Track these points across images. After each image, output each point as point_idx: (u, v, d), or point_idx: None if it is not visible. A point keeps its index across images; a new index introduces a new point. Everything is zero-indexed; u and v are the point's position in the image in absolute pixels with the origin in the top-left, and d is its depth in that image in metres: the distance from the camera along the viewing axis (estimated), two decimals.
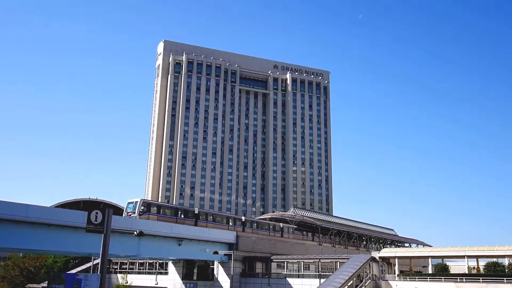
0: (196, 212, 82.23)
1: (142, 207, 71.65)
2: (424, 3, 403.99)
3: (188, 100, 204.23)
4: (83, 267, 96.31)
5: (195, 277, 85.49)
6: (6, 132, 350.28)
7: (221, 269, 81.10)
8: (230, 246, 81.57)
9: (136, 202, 72.24)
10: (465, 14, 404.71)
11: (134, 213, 70.62)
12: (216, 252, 77.39)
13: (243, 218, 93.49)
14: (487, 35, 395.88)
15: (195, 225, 78.70)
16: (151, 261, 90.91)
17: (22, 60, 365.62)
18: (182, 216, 78.96)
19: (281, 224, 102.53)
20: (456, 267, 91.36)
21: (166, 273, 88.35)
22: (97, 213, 29.25)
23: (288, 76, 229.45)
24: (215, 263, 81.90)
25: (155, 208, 74.85)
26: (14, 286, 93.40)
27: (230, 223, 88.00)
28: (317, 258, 78.79)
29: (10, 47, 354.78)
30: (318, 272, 76.39)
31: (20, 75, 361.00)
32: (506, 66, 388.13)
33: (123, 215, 71.82)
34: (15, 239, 54.11)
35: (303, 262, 79.45)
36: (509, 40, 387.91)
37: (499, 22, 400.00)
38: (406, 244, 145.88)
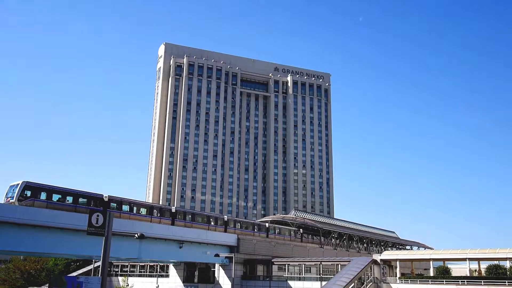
0: (106, 199, 66.10)
1: (26, 192, 57.01)
2: (425, 5, 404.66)
3: (189, 103, 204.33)
4: (84, 269, 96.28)
5: (196, 280, 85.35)
6: (6, 133, 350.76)
7: (222, 271, 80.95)
8: (231, 248, 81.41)
9: (18, 184, 57.31)
10: (467, 16, 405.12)
11: (13, 198, 56.38)
12: (217, 255, 77.18)
13: (169, 207, 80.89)
14: (489, 36, 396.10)
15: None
16: (152, 263, 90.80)
17: (24, 61, 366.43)
18: (85, 205, 63.00)
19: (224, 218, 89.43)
20: (458, 269, 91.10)
21: (167, 276, 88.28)
22: (98, 216, 29.37)
23: (289, 78, 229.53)
24: (216, 265, 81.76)
25: (45, 193, 59.34)
26: None
27: (155, 214, 74.55)
28: (318, 261, 78.65)
29: (11, 47, 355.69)
30: (320, 274, 76.26)
31: (21, 76, 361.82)
32: (508, 66, 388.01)
33: (2, 201, 58.03)
34: (16, 242, 54.12)
35: (304, 264, 79.33)
36: (510, 40, 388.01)
37: (500, 22, 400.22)
38: (408, 247, 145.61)
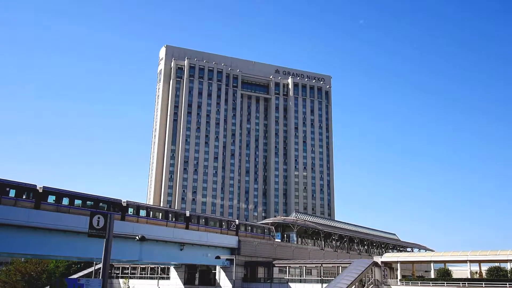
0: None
1: None
2: (426, 7, 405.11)
3: (190, 105, 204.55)
4: (85, 272, 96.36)
5: (197, 282, 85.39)
6: (7, 135, 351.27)
7: (223, 274, 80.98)
8: (232, 251, 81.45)
9: None
10: (467, 17, 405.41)
11: None
12: (218, 257, 77.24)
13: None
14: (489, 36, 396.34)
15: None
16: (153, 265, 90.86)
17: (25, 62, 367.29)
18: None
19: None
20: (459, 272, 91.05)
21: (168, 278, 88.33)
22: (99, 218, 29.45)
23: (289, 80, 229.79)
24: (217, 268, 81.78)
25: None
26: None
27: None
28: (319, 263, 78.66)
29: (12, 48, 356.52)
30: (320, 277, 76.24)
31: (23, 77, 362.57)
32: (508, 66, 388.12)
33: None
34: (17, 244, 54.23)
35: (305, 266, 79.33)
36: (510, 39, 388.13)
37: (500, 22, 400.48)
38: (408, 249, 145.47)
